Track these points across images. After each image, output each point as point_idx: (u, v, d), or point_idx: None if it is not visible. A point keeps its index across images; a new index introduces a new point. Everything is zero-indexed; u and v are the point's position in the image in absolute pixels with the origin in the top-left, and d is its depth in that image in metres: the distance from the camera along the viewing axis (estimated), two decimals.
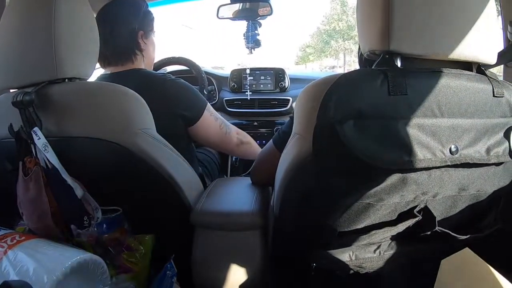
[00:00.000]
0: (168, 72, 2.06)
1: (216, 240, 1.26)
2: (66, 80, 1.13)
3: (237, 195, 1.45)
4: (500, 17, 1.62)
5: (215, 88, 2.83)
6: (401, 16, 0.89)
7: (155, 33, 1.73)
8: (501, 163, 1.00)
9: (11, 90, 1.23)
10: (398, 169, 0.91)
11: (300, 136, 0.98)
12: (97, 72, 1.57)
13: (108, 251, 1.17)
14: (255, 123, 2.75)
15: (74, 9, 1.12)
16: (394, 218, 1.04)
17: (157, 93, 1.45)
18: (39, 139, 1.05)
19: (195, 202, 1.33)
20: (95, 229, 1.17)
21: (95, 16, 1.33)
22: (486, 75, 0.99)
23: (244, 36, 2.51)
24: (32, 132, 1.06)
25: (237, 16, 2.45)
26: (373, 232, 1.05)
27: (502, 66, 1.67)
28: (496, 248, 1.05)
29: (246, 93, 2.75)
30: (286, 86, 2.80)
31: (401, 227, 1.03)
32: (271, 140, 1.32)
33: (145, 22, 1.64)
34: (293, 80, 2.84)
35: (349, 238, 1.07)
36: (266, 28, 2.77)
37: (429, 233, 1.03)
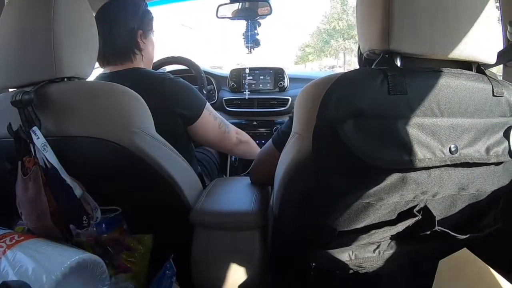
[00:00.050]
0: (167, 72, 2.06)
1: (216, 239, 1.26)
2: (65, 79, 1.13)
3: (237, 195, 1.45)
4: (499, 17, 1.62)
5: (214, 87, 2.83)
6: (401, 16, 0.89)
7: (154, 33, 1.73)
8: (501, 162, 1.00)
9: (10, 90, 1.22)
10: (398, 169, 0.91)
11: (300, 135, 0.98)
12: (96, 71, 1.57)
13: (107, 251, 1.17)
14: (254, 123, 2.75)
15: (73, 8, 1.12)
16: (393, 217, 1.04)
17: (156, 92, 1.46)
18: (38, 139, 1.05)
19: (194, 201, 1.33)
20: (94, 229, 1.17)
21: (94, 15, 1.33)
22: (485, 74, 0.99)
23: (243, 35, 2.51)
24: (31, 132, 1.06)
25: (236, 16, 2.45)
26: (373, 231, 1.05)
27: (501, 65, 1.67)
28: (495, 248, 1.05)
29: (245, 92, 2.75)
30: (285, 86, 2.80)
31: (400, 226, 1.03)
32: (270, 140, 1.32)
33: (144, 22, 1.64)
34: (292, 79, 2.84)
35: (348, 238, 1.07)
36: (265, 28, 2.77)
37: (428, 232, 1.03)
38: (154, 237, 1.26)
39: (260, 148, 1.54)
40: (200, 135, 1.65)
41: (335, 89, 0.89)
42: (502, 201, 1.09)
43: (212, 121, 1.66)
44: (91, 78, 1.28)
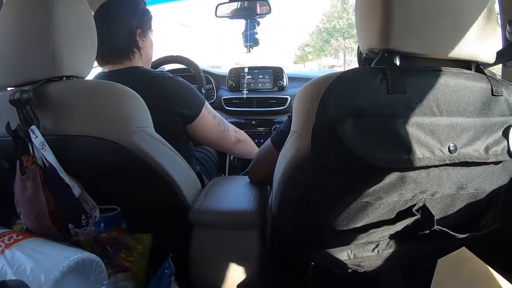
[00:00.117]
0: (166, 71, 2.06)
1: (214, 239, 1.26)
2: (64, 78, 1.13)
3: (235, 194, 1.45)
4: (499, 16, 1.62)
5: (213, 87, 2.83)
6: (401, 15, 0.89)
7: (153, 32, 1.73)
8: (500, 162, 1.00)
9: (9, 88, 1.22)
10: (397, 168, 0.91)
11: (299, 134, 0.98)
12: (95, 70, 1.57)
13: (106, 250, 1.17)
14: (253, 122, 2.75)
15: (72, 7, 1.12)
16: (392, 216, 1.04)
17: (155, 91, 1.45)
18: (37, 138, 1.05)
19: (193, 200, 1.33)
20: (93, 228, 1.17)
21: (93, 14, 1.33)
22: (485, 74, 0.99)
23: (242, 35, 2.52)
24: (29, 131, 1.05)
25: (235, 15, 2.46)
26: (372, 230, 1.05)
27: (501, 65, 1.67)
28: (494, 247, 1.05)
29: (243, 91, 2.76)
30: (284, 85, 2.80)
31: (399, 225, 1.03)
32: (269, 139, 1.32)
33: (143, 20, 1.64)
34: (291, 79, 2.85)
35: (347, 237, 1.07)
36: (265, 27, 2.78)
37: (427, 232, 1.03)
38: (153, 236, 1.26)
39: (259, 147, 1.54)
40: (199, 134, 1.65)
41: (334, 88, 0.89)
42: (501, 201, 1.09)
43: (211, 120, 1.66)
44: (90, 77, 1.28)
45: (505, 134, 0.98)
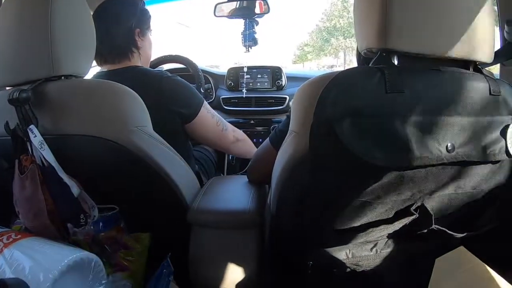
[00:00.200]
0: (165, 70, 2.06)
1: (213, 238, 1.27)
2: (63, 77, 1.13)
3: (234, 194, 1.45)
4: (497, 16, 1.62)
5: (211, 86, 2.82)
6: (399, 14, 0.89)
7: (152, 32, 1.73)
8: (498, 161, 1.00)
9: (7, 88, 1.22)
10: (395, 167, 0.92)
11: (297, 134, 0.98)
12: (94, 70, 1.57)
13: (105, 249, 1.17)
14: (252, 122, 2.74)
15: (71, 6, 1.12)
16: (390, 216, 1.04)
17: (154, 90, 1.46)
18: (35, 137, 1.05)
19: (192, 200, 1.33)
20: (92, 227, 1.17)
21: (92, 14, 1.33)
22: (483, 73, 0.99)
23: (241, 34, 2.52)
24: (28, 130, 1.05)
25: (234, 14, 2.46)
26: (370, 230, 1.05)
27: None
28: (492, 246, 1.05)
29: (242, 90, 2.75)
30: (283, 85, 2.80)
31: (397, 225, 1.04)
32: (267, 139, 1.32)
33: (142, 20, 1.64)
34: (290, 78, 2.85)
35: (346, 236, 1.07)
36: (264, 27, 2.77)
37: (425, 231, 1.03)
38: (151, 235, 1.26)
39: (257, 147, 1.54)
40: (197, 133, 1.65)
41: (332, 87, 0.89)
42: (499, 200, 1.09)
43: (209, 119, 1.66)
44: (89, 76, 1.28)
45: (503, 134, 0.98)
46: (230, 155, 2.58)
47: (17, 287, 0.80)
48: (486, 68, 1.04)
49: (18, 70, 1.13)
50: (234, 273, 1.23)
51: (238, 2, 2.40)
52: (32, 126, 1.06)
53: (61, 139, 1.11)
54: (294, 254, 1.19)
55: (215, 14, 2.44)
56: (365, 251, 1.09)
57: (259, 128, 2.72)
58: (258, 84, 2.82)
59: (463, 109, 0.94)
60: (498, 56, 1.18)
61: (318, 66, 37.22)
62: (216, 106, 2.75)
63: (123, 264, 1.17)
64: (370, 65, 0.97)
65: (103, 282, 1.04)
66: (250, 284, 1.24)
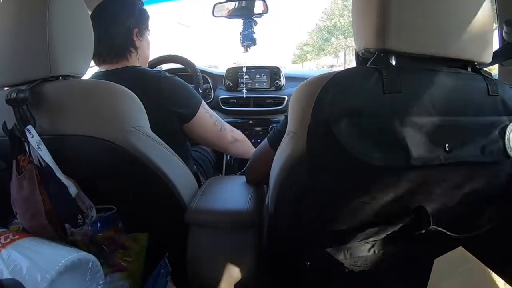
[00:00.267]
0: (163, 70, 2.06)
1: (211, 238, 1.26)
2: (60, 78, 1.13)
3: (232, 194, 1.45)
4: (495, 16, 1.62)
5: (210, 86, 2.82)
6: (397, 14, 0.89)
7: (150, 32, 1.73)
8: (496, 161, 1.00)
9: (5, 88, 1.22)
10: (392, 168, 0.91)
11: (294, 134, 0.98)
12: (92, 70, 1.57)
13: (102, 249, 1.17)
14: (250, 122, 2.74)
15: (68, 6, 1.12)
16: (388, 216, 1.03)
17: (152, 91, 1.46)
18: (33, 137, 1.05)
19: (190, 200, 1.33)
20: (89, 227, 1.17)
21: (89, 13, 1.33)
22: (481, 74, 0.99)
23: (240, 34, 2.52)
24: (25, 130, 1.05)
25: (232, 14, 2.45)
26: (368, 230, 1.05)
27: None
28: (490, 247, 1.05)
29: (242, 90, 2.75)
30: (282, 85, 2.79)
31: (396, 225, 1.03)
32: (266, 139, 1.32)
33: (140, 20, 1.64)
34: (289, 78, 2.84)
35: (344, 237, 1.07)
36: (263, 26, 2.77)
37: (424, 231, 1.03)
38: (149, 236, 1.26)
39: (256, 147, 1.54)
40: (196, 133, 1.65)
41: (329, 87, 0.89)
42: (498, 200, 1.09)
43: (208, 119, 1.66)
44: (87, 76, 1.28)
45: (501, 134, 0.98)
46: (229, 155, 2.58)
47: (13, 287, 0.80)
48: (485, 68, 1.04)
49: (16, 70, 1.13)
50: (232, 273, 1.23)
51: (237, 2, 2.40)
52: (29, 127, 1.06)
53: (59, 139, 1.11)
54: (292, 254, 1.19)
55: (213, 14, 2.44)
56: (364, 252, 1.08)
57: (258, 128, 2.72)
58: (257, 84, 2.81)
59: (460, 110, 0.94)
60: (497, 57, 1.18)
61: (317, 66, 37.09)
62: (214, 106, 2.75)
63: (121, 264, 1.17)
64: (368, 65, 0.96)
65: (101, 282, 1.04)
66: (248, 284, 1.24)
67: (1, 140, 1.12)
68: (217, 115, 1.74)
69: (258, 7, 2.39)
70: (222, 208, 1.32)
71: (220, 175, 2.55)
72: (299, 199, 1.04)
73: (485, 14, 0.97)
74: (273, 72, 2.81)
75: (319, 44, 37.01)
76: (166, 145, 1.26)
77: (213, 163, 2.37)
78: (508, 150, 0.98)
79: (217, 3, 2.40)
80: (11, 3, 1.13)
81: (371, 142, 0.88)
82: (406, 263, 1.12)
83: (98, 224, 1.20)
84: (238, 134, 1.89)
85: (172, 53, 2.45)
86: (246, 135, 1.99)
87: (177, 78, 1.58)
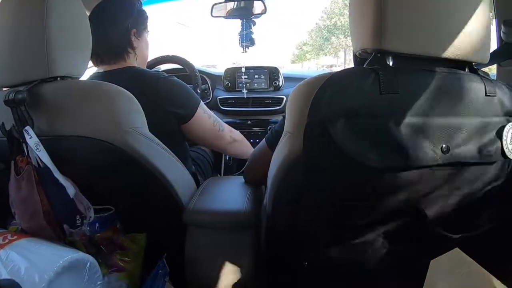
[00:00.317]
0: (162, 71, 2.06)
1: (209, 239, 1.26)
2: (58, 78, 1.13)
3: (230, 194, 1.45)
4: (494, 16, 1.62)
5: (209, 86, 2.82)
6: (393, 14, 0.89)
7: (149, 32, 1.73)
8: (494, 162, 1.00)
9: (4, 89, 1.22)
10: (389, 168, 0.91)
11: (291, 134, 0.98)
12: (90, 71, 1.57)
13: (101, 250, 1.18)
14: (249, 122, 2.74)
15: (66, 7, 1.12)
16: (386, 217, 1.03)
17: (150, 91, 1.45)
18: (31, 138, 1.05)
19: (188, 201, 1.33)
20: (88, 228, 1.17)
21: (88, 14, 1.33)
22: (478, 74, 0.99)
23: (238, 35, 2.52)
24: (24, 131, 1.06)
25: (231, 15, 2.45)
26: (365, 231, 1.05)
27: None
28: (487, 248, 1.05)
29: (242, 91, 2.75)
30: (280, 85, 2.79)
31: (393, 226, 1.03)
32: (264, 139, 1.32)
33: (139, 21, 1.64)
34: (287, 78, 2.84)
35: (341, 237, 1.07)
36: (262, 26, 2.78)
37: (421, 232, 1.03)
38: (147, 236, 1.26)
39: (254, 147, 1.54)
40: (194, 134, 1.65)
41: (326, 88, 0.89)
42: (495, 201, 1.09)
43: (206, 120, 1.66)
44: (85, 77, 1.29)
45: (499, 135, 0.98)
46: (227, 156, 2.59)
47: None
48: (485, 69, 1.04)
49: (14, 71, 1.13)
50: (230, 274, 1.23)
51: (235, 2, 2.40)
52: (27, 127, 1.06)
53: (57, 140, 1.11)
54: (290, 255, 1.19)
55: (212, 15, 2.44)
56: (361, 252, 1.08)
57: (256, 129, 2.72)
58: (255, 84, 2.81)
59: (458, 110, 0.94)
60: (495, 57, 1.18)
61: (317, 66, 36.99)
62: (213, 106, 2.75)
63: (119, 264, 1.18)
64: (365, 65, 0.96)
65: (99, 283, 1.05)
66: (246, 285, 1.24)
67: None
68: (215, 116, 1.74)
69: (256, 8, 2.39)
70: (220, 209, 1.31)
71: (218, 175, 2.55)
72: (296, 199, 1.04)
73: (483, 14, 0.97)
74: (272, 73, 2.81)
75: (319, 44, 36.91)
76: (164, 145, 1.26)
77: (211, 163, 2.37)
78: (506, 150, 0.98)
79: (216, 4, 2.40)
80: (9, 4, 1.14)
81: (368, 142, 0.88)
82: (404, 263, 1.12)
83: (97, 225, 1.20)
84: (236, 134, 1.89)
85: (171, 53, 2.45)
86: (244, 135, 1.98)
87: (175, 78, 1.58)
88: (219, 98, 2.79)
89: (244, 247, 1.25)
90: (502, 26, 1.50)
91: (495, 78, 1.03)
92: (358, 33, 0.99)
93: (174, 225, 1.27)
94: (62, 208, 1.10)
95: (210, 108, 1.81)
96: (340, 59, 36.49)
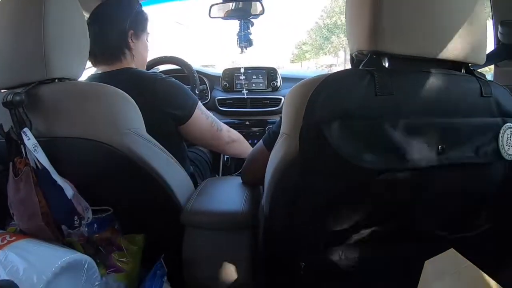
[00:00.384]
0: (160, 72, 2.05)
1: (206, 239, 1.27)
2: (56, 80, 1.14)
3: (228, 195, 1.45)
4: (491, 17, 1.62)
5: (207, 87, 2.82)
6: (389, 16, 0.89)
7: (149, 35, 1.73)
8: (490, 163, 1.00)
9: (2, 91, 1.22)
10: (385, 170, 0.91)
11: (288, 136, 0.98)
12: (89, 71, 1.57)
13: (99, 250, 1.18)
14: (247, 123, 2.74)
15: (64, 9, 1.13)
16: (382, 218, 1.04)
17: (148, 92, 1.45)
18: (29, 140, 1.06)
19: (186, 201, 1.33)
20: (86, 229, 1.17)
21: (87, 16, 1.33)
22: (474, 75, 1.00)
23: (236, 35, 2.52)
24: (22, 133, 1.06)
25: (229, 16, 2.45)
26: (362, 231, 1.05)
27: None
28: (482, 248, 1.05)
29: (242, 91, 2.76)
30: (278, 85, 2.80)
31: (389, 227, 1.04)
32: (261, 140, 1.32)
33: (137, 22, 1.64)
34: (285, 79, 2.85)
35: (337, 238, 1.07)
36: (262, 26, 2.79)
37: (417, 232, 1.03)
38: (145, 237, 1.26)
39: (252, 147, 1.54)
40: (192, 134, 1.65)
41: (321, 90, 0.89)
42: (491, 201, 1.09)
43: (204, 121, 1.66)
44: (83, 78, 1.29)
45: (495, 135, 0.98)
46: (225, 156, 2.59)
47: None
48: (485, 68, 1.04)
49: (12, 73, 1.13)
50: (228, 274, 1.24)
51: (233, 3, 2.40)
52: (26, 129, 1.06)
53: (55, 141, 1.12)
54: (287, 255, 1.19)
55: (210, 16, 2.44)
56: (357, 253, 1.09)
57: (254, 129, 2.72)
58: (253, 85, 2.82)
59: (454, 111, 0.94)
60: (492, 58, 1.18)
61: (316, 66, 36.84)
62: (211, 107, 2.75)
63: (117, 265, 1.18)
64: (360, 67, 0.97)
65: (97, 283, 1.05)
66: (243, 285, 1.25)
67: None
68: (213, 116, 1.74)
69: (254, 8, 2.40)
70: (217, 209, 1.32)
71: (217, 175, 2.55)
72: (293, 200, 1.04)
73: (479, 15, 0.97)
74: (270, 73, 2.81)
75: (319, 43, 36.63)
76: (161, 146, 1.27)
77: (209, 164, 2.37)
78: (502, 151, 0.98)
79: (214, 4, 2.40)
80: (7, 6, 1.14)
81: (363, 144, 0.88)
82: (400, 264, 1.13)
83: (95, 225, 1.21)
84: (235, 134, 1.89)
85: (169, 53, 2.45)
86: (243, 136, 1.98)
87: (173, 79, 1.58)
88: (217, 99, 2.79)
89: (241, 247, 1.26)
90: (499, 27, 1.50)
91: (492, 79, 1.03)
92: (354, 35, 0.99)
93: (172, 226, 1.27)
94: (60, 209, 1.10)
95: (208, 109, 1.80)
96: (340, 58, 36.26)
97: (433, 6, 0.92)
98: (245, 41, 2.51)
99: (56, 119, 1.13)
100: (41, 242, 1.04)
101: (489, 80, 1.00)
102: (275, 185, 1.06)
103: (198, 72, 2.53)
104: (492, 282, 0.88)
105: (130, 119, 1.17)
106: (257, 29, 2.56)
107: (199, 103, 1.64)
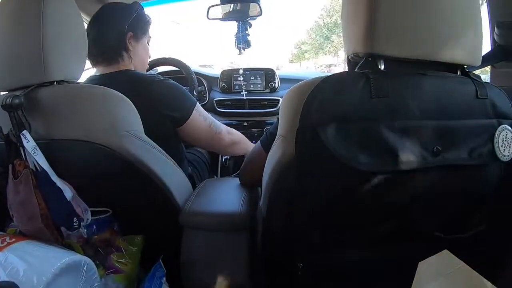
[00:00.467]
0: (158, 73, 2.06)
1: (204, 240, 1.27)
2: (55, 83, 1.14)
3: (226, 196, 1.45)
4: (487, 18, 1.63)
5: (205, 88, 2.81)
6: (385, 19, 0.90)
7: (150, 38, 1.73)
8: (484, 164, 1.00)
9: (1, 93, 1.23)
10: (380, 172, 0.92)
11: (284, 138, 0.98)
12: (88, 72, 1.57)
13: (98, 252, 1.19)
14: (245, 124, 2.75)
15: (62, 12, 1.13)
16: (379, 219, 1.04)
17: (145, 94, 1.46)
18: (28, 142, 1.06)
19: (184, 203, 1.34)
20: (85, 230, 1.18)
21: (88, 19, 1.34)
22: (470, 77, 1.00)
23: (234, 37, 2.52)
24: (21, 135, 1.07)
25: (227, 17, 2.45)
26: (358, 233, 1.05)
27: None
28: (477, 249, 1.05)
29: (241, 92, 2.75)
30: (276, 86, 2.79)
31: (384, 228, 1.04)
32: (259, 141, 1.32)
33: (137, 25, 1.64)
34: (283, 80, 2.84)
35: (335, 239, 1.07)
36: (260, 26, 2.79)
37: (413, 233, 1.04)
38: (144, 238, 1.27)
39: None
40: (190, 136, 1.65)
41: (317, 92, 0.89)
42: (487, 203, 1.09)
43: (202, 122, 1.66)
44: (82, 80, 1.29)
45: (490, 137, 0.98)
46: (224, 157, 2.58)
47: None
48: (482, 70, 1.04)
49: (11, 76, 1.14)
50: (226, 275, 1.24)
51: (231, 4, 2.40)
52: (25, 132, 1.07)
53: (54, 144, 1.12)
54: (285, 256, 1.20)
55: (208, 17, 2.44)
56: (355, 253, 1.09)
57: (253, 130, 2.72)
58: (251, 86, 2.81)
59: (449, 113, 0.94)
60: (488, 59, 1.18)
61: (315, 66, 36.65)
62: (209, 108, 2.74)
63: (116, 266, 1.18)
64: (356, 69, 0.97)
65: (96, 284, 1.06)
66: (241, 286, 1.25)
67: None
68: (212, 118, 1.73)
69: (252, 10, 2.40)
70: (215, 210, 1.32)
71: (215, 176, 2.55)
72: (290, 201, 1.05)
73: (474, 17, 0.97)
74: (268, 74, 2.81)
75: (318, 43, 36.32)
76: (159, 148, 1.27)
77: (208, 165, 2.37)
78: (497, 152, 0.98)
79: (212, 6, 2.40)
80: (6, 9, 1.14)
81: (359, 147, 0.88)
82: (397, 264, 1.13)
83: (94, 227, 1.21)
84: (236, 135, 1.89)
85: (166, 53, 2.45)
86: None
87: (171, 81, 1.58)
88: (216, 100, 2.79)
89: (239, 248, 1.26)
90: (495, 28, 1.51)
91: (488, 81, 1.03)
92: (350, 37, 0.99)
93: (171, 227, 1.28)
94: (59, 210, 1.10)
95: (207, 110, 1.79)
96: (340, 58, 35.97)
97: (428, 8, 0.92)
98: (243, 42, 2.50)
99: (55, 121, 1.13)
100: (41, 243, 1.05)
101: (484, 82, 1.00)
102: (272, 187, 1.06)
103: (196, 73, 2.53)
104: (487, 284, 0.88)
105: (128, 121, 1.17)
106: (256, 29, 2.55)
107: (198, 104, 1.64)
